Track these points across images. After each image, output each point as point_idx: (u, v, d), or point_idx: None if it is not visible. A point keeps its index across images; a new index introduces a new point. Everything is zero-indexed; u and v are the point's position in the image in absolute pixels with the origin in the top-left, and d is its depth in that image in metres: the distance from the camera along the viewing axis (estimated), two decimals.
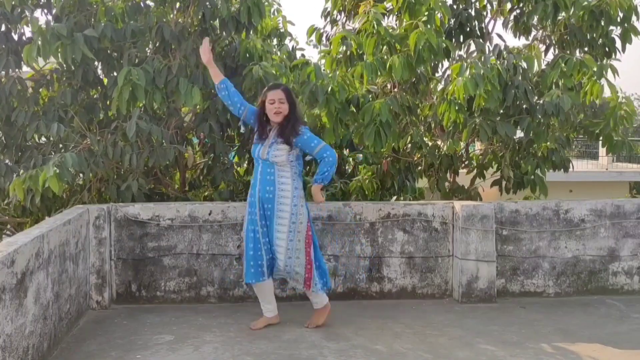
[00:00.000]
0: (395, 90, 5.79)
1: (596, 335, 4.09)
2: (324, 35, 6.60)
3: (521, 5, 5.98)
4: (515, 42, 6.89)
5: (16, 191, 4.64)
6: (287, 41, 6.72)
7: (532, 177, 6.01)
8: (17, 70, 5.26)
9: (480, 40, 5.80)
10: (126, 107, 4.75)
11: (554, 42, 6.19)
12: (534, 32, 6.29)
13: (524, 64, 5.29)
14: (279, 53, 6.19)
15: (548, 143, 5.89)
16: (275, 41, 6.65)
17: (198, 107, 5.47)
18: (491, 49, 5.62)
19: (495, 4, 6.19)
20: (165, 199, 5.61)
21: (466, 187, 6.32)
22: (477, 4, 6.21)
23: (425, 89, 5.95)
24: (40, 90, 5.59)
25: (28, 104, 5.23)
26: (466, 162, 6.51)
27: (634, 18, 5.75)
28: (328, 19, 6.66)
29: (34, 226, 3.84)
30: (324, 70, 5.48)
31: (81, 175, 5.11)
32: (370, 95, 5.48)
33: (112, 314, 4.49)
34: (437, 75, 6.27)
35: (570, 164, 6.24)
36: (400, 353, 3.73)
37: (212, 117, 5.34)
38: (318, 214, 4.80)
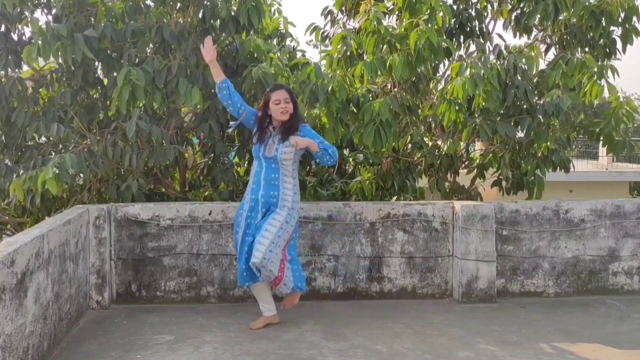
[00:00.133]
0: (396, 89, 5.79)
1: (596, 335, 4.09)
2: (324, 34, 6.59)
3: (521, 5, 5.98)
4: (516, 41, 6.94)
5: (16, 192, 4.65)
6: (287, 41, 6.72)
7: (533, 177, 6.00)
8: (17, 70, 5.26)
9: (481, 40, 5.80)
10: (126, 107, 4.75)
11: (554, 42, 6.19)
12: (534, 32, 6.28)
13: (524, 64, 5.28)
14: (279, 53, 6.19)
15: (548, 143, 5.88)
16: (275, 41, 6.65)
17: (198, 107, 5.47)
18: (491, 49, 5.62)
19: (495, 4, 6.19)
20: (165, 199, 5.61)
21: (466, 187, 6.31)
22: (478, 4, 6.20)
23: (426, 89, 5.95)
24: (40, 90, 5.59)
25: (28, 104, 5.22)
26: (466, 162, 6.51)
27: (634, 18, 5.75)
28: (329, 18, 6.66)
29: (34, 226, 3.84)
30: (324, 70, 5.48)
31: (81, 175, 5.11)
32: (370, 95, 5.48)
33: (112, 314, 4.49)
34: (437, 75, 6.27)
35: (571, 164, 6.23)
36: (400, 353, 3.73)
37: (212, 118, 5.34)
38: (318, 214, 4.80)
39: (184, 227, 4.72)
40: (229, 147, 5.89)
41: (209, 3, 5.35)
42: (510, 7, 6.08)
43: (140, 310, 4.55)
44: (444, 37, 5.26)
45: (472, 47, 5.69)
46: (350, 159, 6.67)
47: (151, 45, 5.43)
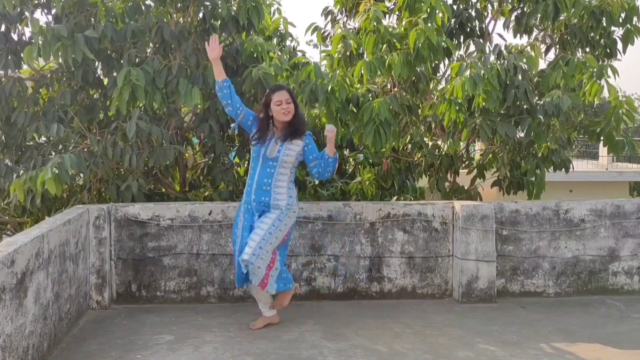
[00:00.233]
0: (395, 89, 5.79)
1: (596, 335, 4.09)
2: (325, 34, 6.59)
3: (522, 5, 5.98)
4: (517, 41, 6.92)
5: (17, 192, 4.65)
6: (287, 42, 6.72)
7: (534, 177, 5.99)
8: (16, 70, 5.26)
9: (481, 40, 5.80)
10: (126, 107, 4.75)
11: (555, 42, 6.19)
12: (535, 33, 6.28)
13: (524, 64, 5.28)
14: (279, 53, 6.19)
15: (548, 143, 5.88)
16: (276, 42, 6.65)
17: (199, 107, 5.48)
18: (491, 49, 5.62)
19: (495, 3, 6.19)
20: (165, 199, 5.61)
21: (466, 187, 6.31)
22: (478, 4, 6.20)
23: (426, 89, 5.95)
24: (40, 90, 5.59)
25: (28, 105, 5.23)
26: (466, 162, 6.51)
27: (635, 18, 5.75)
28: (329, 18, 6.66)
29: (34, 226, 3.84)
30: (324, 70, 5.48)
31: (81, 175, 5.11)
32: (370, 95, 5.48)
33: (112, 314, 4.49)
34: (437, 75, 6.27)
35: (571, 165, 6.22)
36: (400, 353, 3.73)
37: (212, 118, 5.34)
38: (318, 214, 4.80)
39: (184, 227, 4.72)
40: (229, 147, 5.90)
41: (209, 3, 5.35)
42: (510, 6, 6.08)
43: (140, 310, 4.55)
44: (444, 37, 5.26)
45: (472, 47, 5.69)
46: (351, 159, 6.68)
47: (151, 45, 5.43)
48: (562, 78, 5.22)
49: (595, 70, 5.22)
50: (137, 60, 5.19)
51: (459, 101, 5.16)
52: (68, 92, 5.21)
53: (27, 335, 3.21)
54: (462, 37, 6.07)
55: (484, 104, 5.14)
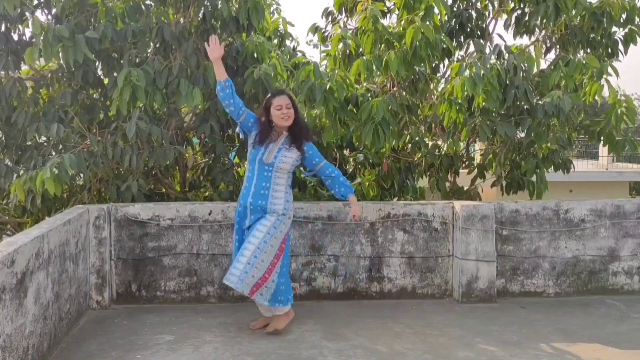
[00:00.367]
0: (395, 89, 5.79)
1: (596, 335, 4.09)
2: (325, 34, 6.59)
3: (522, 6, 5.98)
4: (517, 41, 6.91)
5: (17, 192, 4.65)
6: (287, 42, 6.72)
7: (534, 177, 5.99)
8: (16, 71, 5.26)
9: (481, 40, 5.80)
10: (126, 108, 4.75)
11: (555, 42, 6.19)
12: (536, 33, 6.28)
13: (524, 65, 5.28)
14: (280, 53, 6.19)
15: (549, 144, 5.88)
16: (276, 42, 6.65)
17: (199, 107, 5.48)
18: (491, 49, 5.62)
19: (496, 3, 6.19)
20: (165, 199, 5.61)
21: (466, 188, 6.31)
22: (479, 4, 6.20)
23: (425, 88, 5.95)
24: (40, 90, 5.59)
25: (28, 105, 5.23)
26: (466, 163, 6.51)
27: (637, 19, 5.75)
28: (329, 19, 6.67)
29: (34, 226, 3.84)
30: (324, 70, 5.48)
31: (81, 175, 5.11)
32: (369, 94, 5.49)
33: (112, 314, 4.49)
34: (437, 75, 6.27)
35: (572, 165, 6.22)
36: (400, 353, 3.73)
37: (212, 118, 5.34)
38: (318, 214, 4.80)
39: (184, 227, 4.72)
40: (229, 148, 5.90)
41: (209, 3, 5.35)
42: (512, 6, 6.08)
43: (140, 310, 4.55)
44: (442, 35, 5.25)
45: (472, 48, 5.69)
46: (351, 159, 6.68)
47: (151, 46, 5.43)
48: (562, 78, 5.22)
49: (596, 70, 5.22)
50: (137, 60, 5.19)
51: (459, 101, 5.16)
52: (68, 92, 5.21)
53: (27, 335, 3.21)
54: (462, 38, 6.07)
55: (484, 104, 5.14)
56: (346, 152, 6.62)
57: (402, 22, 5.35)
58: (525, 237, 4.94)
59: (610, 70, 5.33)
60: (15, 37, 5.32)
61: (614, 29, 5.87)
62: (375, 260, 4.87)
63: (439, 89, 6.11)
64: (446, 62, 6.09)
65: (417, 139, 5.92)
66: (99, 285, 4.59)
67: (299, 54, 6.52)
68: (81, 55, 4.77)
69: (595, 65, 5.17)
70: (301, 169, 5.85)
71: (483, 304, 4.75)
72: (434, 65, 6.00)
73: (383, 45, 5.22)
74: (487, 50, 5.59)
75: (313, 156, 4.15)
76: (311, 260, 4.82)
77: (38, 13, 5.38)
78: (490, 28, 6.23)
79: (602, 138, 5.83)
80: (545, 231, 4.96)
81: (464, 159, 6.46)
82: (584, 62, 5.15)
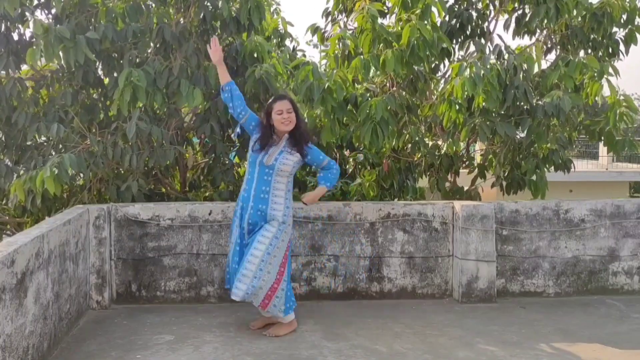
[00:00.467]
0: (394, 88, 5.79)
1: (596, 335, 4.09)
2: (325, 34, 6.59)
3: (522, 6, 5.98)
4: (519, 41, 6.89)
5: (17, 192, 4.65)
6: (287, 42, 6.73)
7: (534, 177, 5.98)
8: (17, 71, 5.26)
9: (481, 40, 5.79)
10: (127, 108, 4.75)
11: (556, 42, 6.19)
12: (537, 33, 6.27)
13: (525, 65, 5.28)
14: (279, 53, 6.19)
15: (549, 144, 5.88)
16: (275, 42, 6.65)
17: (199, 107, 5.48)
18: (491, 49, 5.62)
19: (497, 3, 6.18)
20: (166, 199, 5.62)
21: (466, 188, 6.31)
22: (480, 4, 6.20)
23: (424, 88, 5.95)
24: (41, 90, 5.59)
25: (28, 105, 5.23)
26: (467, 163, 6.51)
27: (638, 20, 5.75)
28: (329, 19, 6.66)
29: (34, 226, 3.84)
30: (323, 70, 5.48)
31: (81, 175, 5.11)
32: (369, 94, 5.48)
33: (112, 314, 4.49)
34: (437, 75, 6.27)
35: (572, 165, 6.23)
36: (400, 353, 3.73)
37: (213, 118, 5.34)
38: (318, 214, 4.80)
39: (184, 227, 4.72)
40: (230, 148, 5.89)
41: (209, 4, 5.34)
42: (513, 6, 6.08)
43: (140, 310, 4.55)
44: (440, 34, 5.24)
45: (472, 48, 5.69)
46: (351, 160, 6.68)
47: (152, 46, 5.43)
48: (561, 79, 5.22)
49: (596, 70, 5.23)
50: (137, 60, 5.19)
51: (459, 101, 5.16)
52: (68, 92, 5.21)
53: (27, 335, 3.21)
54: (462, 38, 6.07)
55: (483, 104, 5.14)
56: (346, 152, 6.63)
57: (401, 23, 5.35)
58: (525, 237, 4.94)
59: (610, 70, 5.33)
60: (16, 37, 5.31)
61: (615, 29, 5.88)
62: (375, 260, 4.87)
63: (439, 89, 6.11)
64: (446, 62, 6.09)
65: (417, 139, 5.92)
66: (99, 285, 4.59)
67: (299, 54, 6.52)
68: (82, 56, 4.77)
69: (595, 66, 5.17)
70: (301, 170, 5.87)
71: (483, 304, 4.76)
72: (433, 65, 6.00)
73: (381, 44, 5.22)
74: (487, 51, 5.59)
75: (315, 156, 4.14)
76: (311, 260, 4.82)
77: (38, 13, 5.38)
78: (491, 28, 6.23)
79: (602, 138, 5.84)
80: (545, 231, 4.96)
81: (464, 159, 6.46)
82: (584, 62, 5.16)
